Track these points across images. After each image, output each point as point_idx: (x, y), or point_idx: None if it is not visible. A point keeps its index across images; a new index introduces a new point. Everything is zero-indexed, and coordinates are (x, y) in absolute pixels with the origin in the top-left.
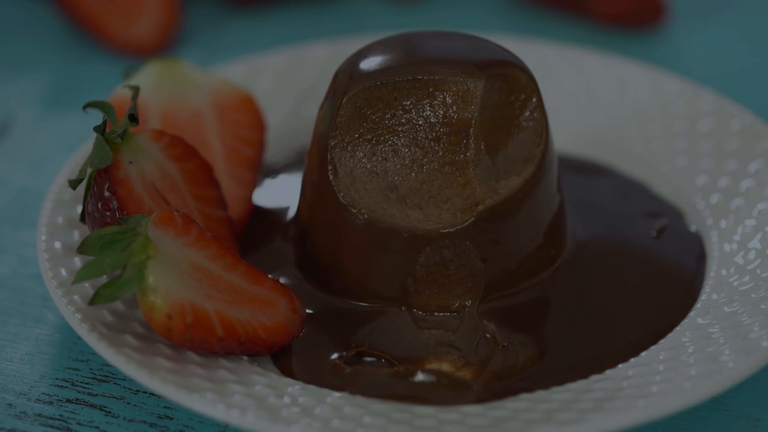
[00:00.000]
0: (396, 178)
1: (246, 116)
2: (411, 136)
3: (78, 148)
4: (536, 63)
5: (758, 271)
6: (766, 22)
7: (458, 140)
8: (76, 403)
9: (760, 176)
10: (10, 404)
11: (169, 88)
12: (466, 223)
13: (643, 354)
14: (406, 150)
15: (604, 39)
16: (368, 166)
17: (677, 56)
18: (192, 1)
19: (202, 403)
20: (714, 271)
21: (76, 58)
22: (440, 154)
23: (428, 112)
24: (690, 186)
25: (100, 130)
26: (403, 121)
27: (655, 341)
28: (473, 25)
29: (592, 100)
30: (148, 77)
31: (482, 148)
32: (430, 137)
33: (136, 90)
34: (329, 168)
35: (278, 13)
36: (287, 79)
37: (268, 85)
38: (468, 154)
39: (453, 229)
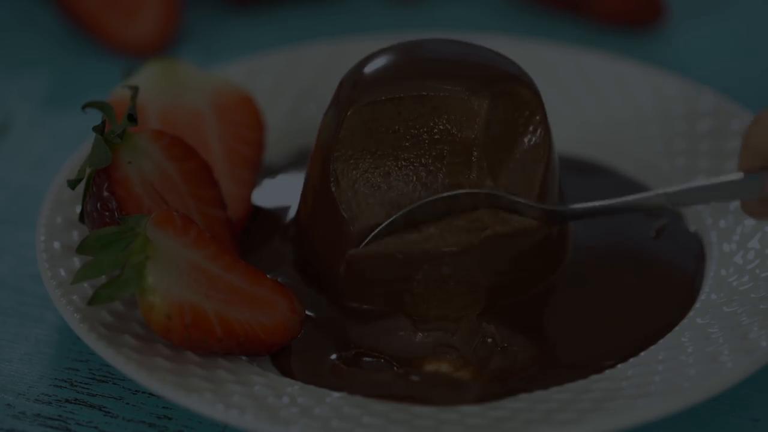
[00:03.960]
0: (398, 194)
1: (245, 116)
2: (414, 153)
3: (77, 148)
4: (536, 63)
5: (757, 271)
6: (766, 22)
7: (461, 159)
8: (75, 404)
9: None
10: (9, 404)
11: (168, 88)
12: (469, 244)
13: (642, 354)
14: (409, 166)
15: (603, 39)
16: (370, 181)
17: (677, 56)
18: (192, 1)
19: (201, 403)
20: (713, 271)
21: (76, 58)
22: (443, 172)
23: (432, 129)
24: None
25: (100, 130)
26: (407, 137)
27: (654, 341)
28: (473, 25)
29: (592, 100)
30: (148, 77)
31: (485, 168)
32: (433, 154)
33: (135, 90)
34: (331, 180)
35: (278, 13)
36: (287, 79)
37: (267, 85)
38: (472, 175)
39: (455, 249)
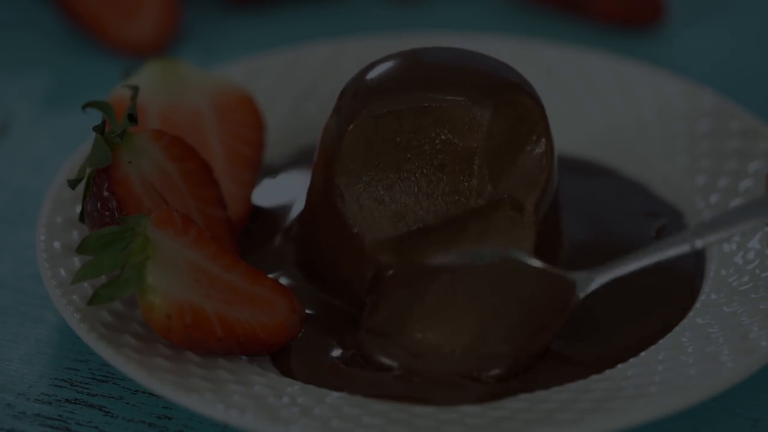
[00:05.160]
0: (402, 206)
1: (245, 116)
2: (416, 164)
3: (77, 148)
4: (536, 63)
5: (757, 271)
6: (766, 22)
7: (463, 168)
8: (75, 403)
9: (760, 176)
10: (9, 404)
11: (168, 88)
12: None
13: (642, 354)
14: (412, 178)
15: (603, 39)
16: (375, 194)
17: (677, 56)
18: (192, 1)
19: (201, 403)
20: (713, 271)
21: (76, 57)
22: (445, 181)
23: (434, 140)
24: (689, 186)
25: (100, 130)
26: (409, 148)
27: (654, 341)
28: (473, 25)
29: (592, 100)
30: (148, 77)
31: (486, 176)
32: (435, 164)
33: (135, 90)
34: (337, 195)
35: (278, 13)
36: (287, 79)
37: (267, 85)
38: (472, 182)
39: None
